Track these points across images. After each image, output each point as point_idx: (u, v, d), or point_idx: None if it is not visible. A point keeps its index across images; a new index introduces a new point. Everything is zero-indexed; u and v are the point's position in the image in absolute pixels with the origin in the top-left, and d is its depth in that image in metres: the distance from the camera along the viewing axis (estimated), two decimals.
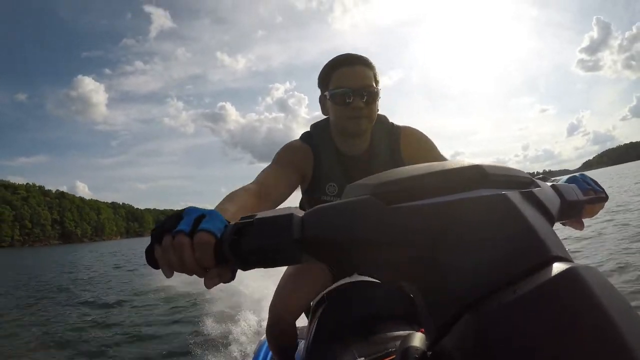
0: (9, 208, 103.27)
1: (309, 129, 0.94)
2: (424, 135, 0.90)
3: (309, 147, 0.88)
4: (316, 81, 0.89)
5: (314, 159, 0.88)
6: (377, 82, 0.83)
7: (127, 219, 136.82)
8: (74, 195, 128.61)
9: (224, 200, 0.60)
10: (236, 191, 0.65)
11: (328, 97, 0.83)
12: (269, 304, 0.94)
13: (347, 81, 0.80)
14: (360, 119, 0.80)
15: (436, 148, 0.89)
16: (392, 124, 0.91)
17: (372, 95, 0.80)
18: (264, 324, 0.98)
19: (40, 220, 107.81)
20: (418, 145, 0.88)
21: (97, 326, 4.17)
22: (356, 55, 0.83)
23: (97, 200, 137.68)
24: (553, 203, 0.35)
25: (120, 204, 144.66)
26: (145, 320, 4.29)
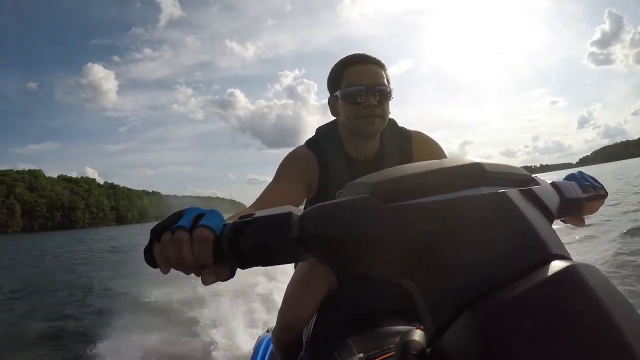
0: (80, 198, 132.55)
1: (314, 131, 0.91)
2: (435, 141, 0.89)
3: (313, 154, 0.85)
4: (325, 68, 0.84)
5: (320, 166, 0.84)
6: (389, 82, 0.81)
7: (157, 205, 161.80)
8: (119, 186, 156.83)
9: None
10: (237, 214, 0.63)
11: (340, 96, 0.80)
12: (278, 310, 0.93)
13: (360, 79, 0.78)
14: (373, 118, 0.78)
15: (446, 156, 0.88)
16: (402, 127, 0.90)
17: (385, 94, 0.79)
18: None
19: (102, 207, 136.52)
20: (429, 151, 0.87)
21: None
22: (368, 54, 0.82)
23: (136, 190, 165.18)
24: (552, 201, 0.35)
25: (150, 191, 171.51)
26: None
